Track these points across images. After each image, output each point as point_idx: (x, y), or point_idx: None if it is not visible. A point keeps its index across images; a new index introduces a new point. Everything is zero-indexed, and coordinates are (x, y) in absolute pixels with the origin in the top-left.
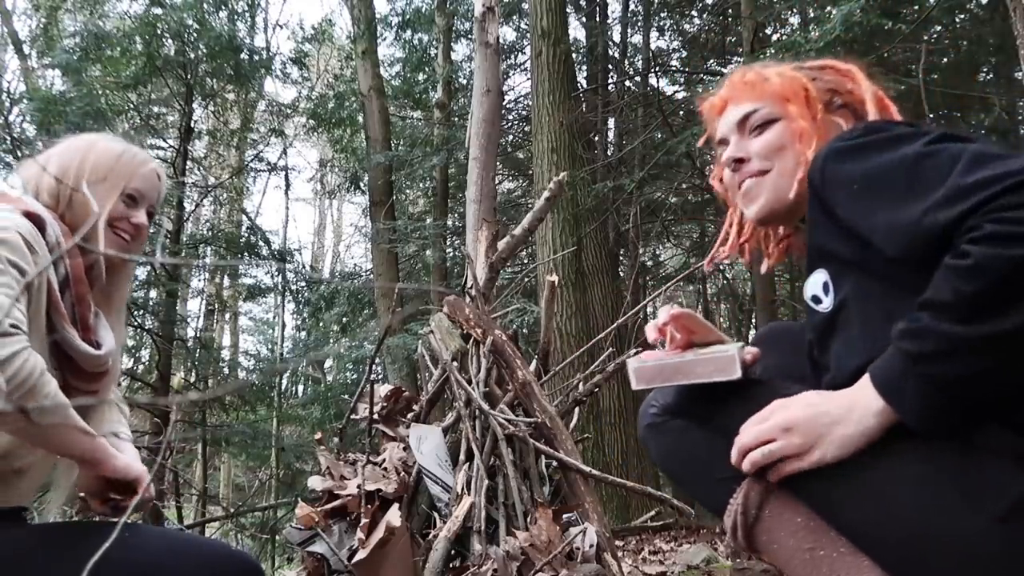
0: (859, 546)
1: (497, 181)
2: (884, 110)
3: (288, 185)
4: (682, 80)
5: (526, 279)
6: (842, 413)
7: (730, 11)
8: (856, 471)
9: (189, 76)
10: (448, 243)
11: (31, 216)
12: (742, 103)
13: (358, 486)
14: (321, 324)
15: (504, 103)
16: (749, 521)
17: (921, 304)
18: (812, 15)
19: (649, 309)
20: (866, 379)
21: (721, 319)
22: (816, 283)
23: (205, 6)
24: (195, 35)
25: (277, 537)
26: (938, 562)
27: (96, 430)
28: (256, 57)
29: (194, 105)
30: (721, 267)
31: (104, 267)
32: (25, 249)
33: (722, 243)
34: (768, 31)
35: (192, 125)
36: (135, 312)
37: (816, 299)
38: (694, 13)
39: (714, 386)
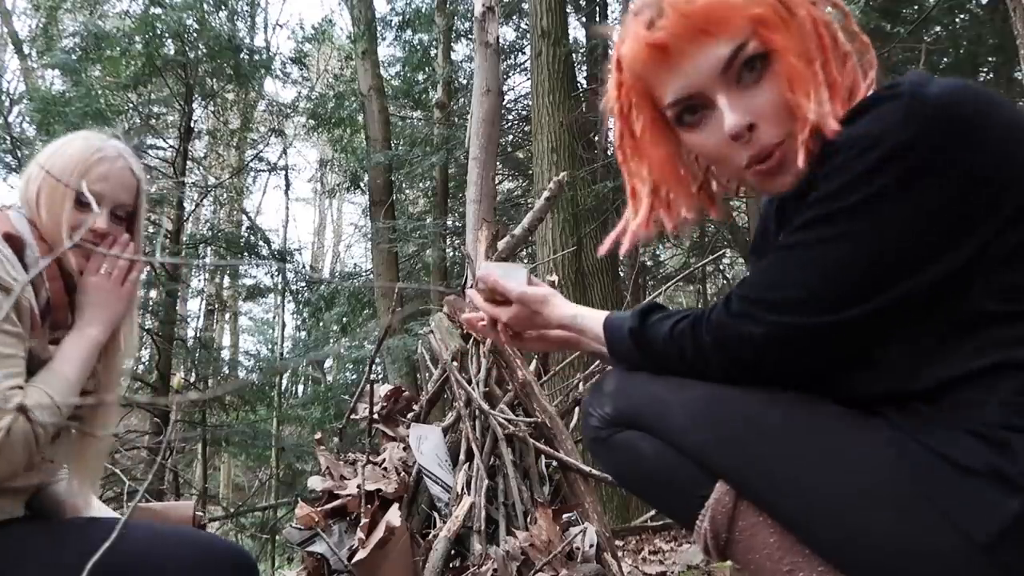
0: (833, 566)
1: (497, 181)
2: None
3: (288, 185)
4: None
5: None
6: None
7: None
8: (822, 486)
9: (189, 76)
10: (448, 243)
11: (10, 238)
12: (711, 38)
13: (358, 486)
14: (321, 324)
15: (504, 103)
16: (721, 543)
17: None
18: None
19: None
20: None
21: None
22: None
23: (205, 6)
24: (195, 35)
25: (277, 537)
26: None
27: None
28: (256, 57)
29: (194, 105)
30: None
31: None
32: None
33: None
34: None
35: (192, 125)
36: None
37: None
38: None
39: (654, 388)
